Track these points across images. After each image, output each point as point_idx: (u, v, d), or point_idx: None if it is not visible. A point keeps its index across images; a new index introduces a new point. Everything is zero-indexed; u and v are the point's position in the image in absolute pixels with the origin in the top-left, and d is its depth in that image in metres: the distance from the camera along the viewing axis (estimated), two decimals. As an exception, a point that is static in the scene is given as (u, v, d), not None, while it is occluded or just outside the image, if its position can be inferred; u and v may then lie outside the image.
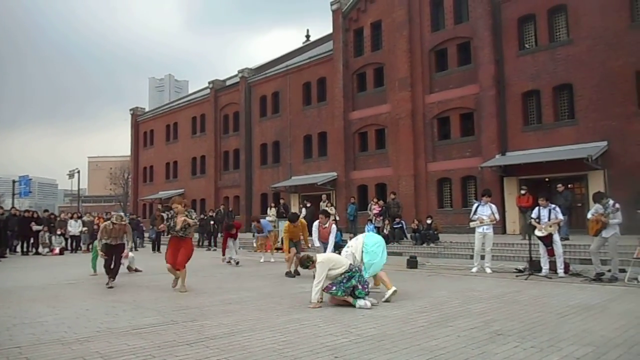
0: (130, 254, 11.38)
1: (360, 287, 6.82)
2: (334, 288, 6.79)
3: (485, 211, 10.84)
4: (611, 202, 9.11)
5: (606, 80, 16.90)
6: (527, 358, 4.22)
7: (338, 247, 10.37)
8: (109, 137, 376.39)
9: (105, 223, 9.53)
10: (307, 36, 39.80)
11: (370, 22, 24.93)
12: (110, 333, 5.30)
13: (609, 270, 9.09)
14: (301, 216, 15.31)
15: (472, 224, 10.98)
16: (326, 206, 20.96)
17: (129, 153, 46.16)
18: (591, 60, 17.29)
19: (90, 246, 20.50)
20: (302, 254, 8.47)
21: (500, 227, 18.52)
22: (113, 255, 9.28)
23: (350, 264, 7.06)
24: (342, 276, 6.85)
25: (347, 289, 6.77)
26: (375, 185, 24.00)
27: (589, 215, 9.39)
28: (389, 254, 16.10)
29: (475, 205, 11.16)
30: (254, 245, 17.20)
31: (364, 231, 19.27)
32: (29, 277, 11.24)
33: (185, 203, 9.04)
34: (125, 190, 69.34)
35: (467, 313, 6.18)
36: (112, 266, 9.25)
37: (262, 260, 14.38)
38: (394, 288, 7.15)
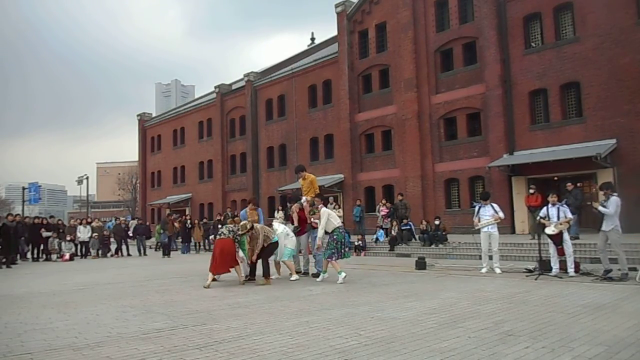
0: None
1: (346, 249, 9.61)
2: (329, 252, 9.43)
3: (487, 212, 10.87)
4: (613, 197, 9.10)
5: (614, 78, 16.78)
6: (539, 359, 4.18)
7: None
8: (115, 143, 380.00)
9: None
10: (312, 39, 39.88)
11: (374, 24, 24.94)
12: (121, 338, 5.33)
13: (619, 269, 9.01)
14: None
15: (476, 226, 11.01)
16: (334, 208, 20.97)
17: (136, 158, 46.48)
18: (598, 58, 17.17)
19: (100, 252, 20.78)
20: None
21: (509, 227, 18.43)
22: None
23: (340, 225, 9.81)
24: (335, 242, 9.40)
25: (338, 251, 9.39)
26: (382, 187, 23.97)
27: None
28: (397, 255, 16.30)
29: (477, 207, 11.20)
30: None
31: (374, 234, 19.41)
32: (40, 283, 11.32)
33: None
34: (134, 196, 69.68)
35: (477, 314, 6.14)
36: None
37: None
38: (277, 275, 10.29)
